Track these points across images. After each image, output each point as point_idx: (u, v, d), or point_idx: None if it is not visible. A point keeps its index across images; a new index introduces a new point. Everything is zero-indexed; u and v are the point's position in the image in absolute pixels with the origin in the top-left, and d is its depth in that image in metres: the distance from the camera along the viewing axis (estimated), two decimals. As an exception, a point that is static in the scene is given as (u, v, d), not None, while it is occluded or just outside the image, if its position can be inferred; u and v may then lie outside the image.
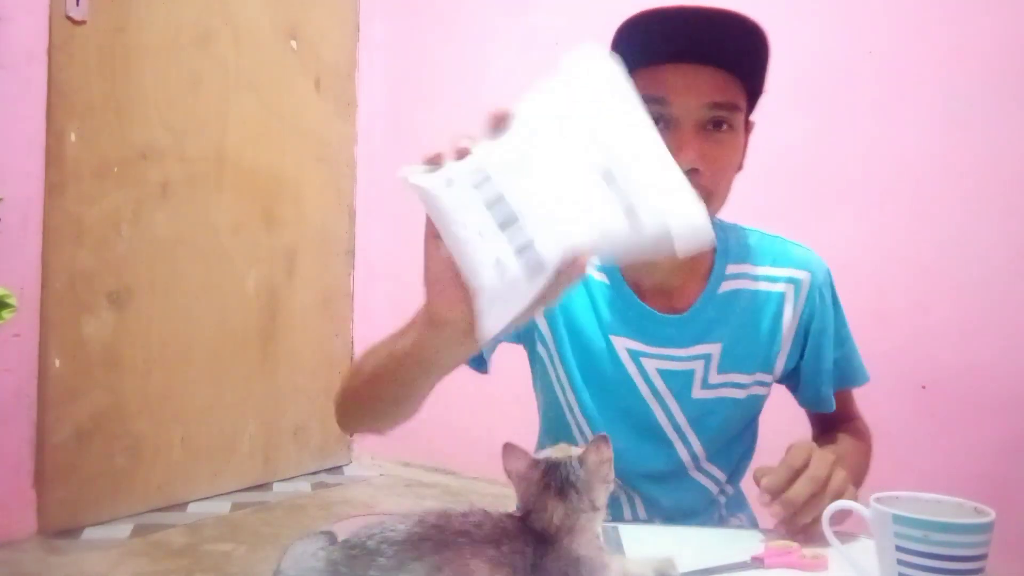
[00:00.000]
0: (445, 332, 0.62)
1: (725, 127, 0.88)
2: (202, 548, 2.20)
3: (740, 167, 0.95)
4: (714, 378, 0.98)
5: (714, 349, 0.97)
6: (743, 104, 0.90)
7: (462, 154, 0.56)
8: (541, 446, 1.03)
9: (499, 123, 0.58)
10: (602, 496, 0.63)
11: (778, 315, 0.98)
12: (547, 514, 0.62)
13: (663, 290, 0.98)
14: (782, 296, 0.99)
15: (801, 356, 1.02)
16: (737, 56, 0.86)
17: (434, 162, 0.56)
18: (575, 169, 0.57)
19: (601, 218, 0.56)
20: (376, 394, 0.83)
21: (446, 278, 0.58)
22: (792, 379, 1.04)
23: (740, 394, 0.99)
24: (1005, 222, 2.03)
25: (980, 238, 2.06)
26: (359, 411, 0.91)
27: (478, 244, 0.54)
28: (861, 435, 1.08)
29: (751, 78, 0.89)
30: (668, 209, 0.57)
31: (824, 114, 2.27)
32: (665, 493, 1.02)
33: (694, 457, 1.01)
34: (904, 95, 2.17)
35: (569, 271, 0.56)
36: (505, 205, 0.55)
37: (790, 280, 0.99)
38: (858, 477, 0.98)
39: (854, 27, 2.25)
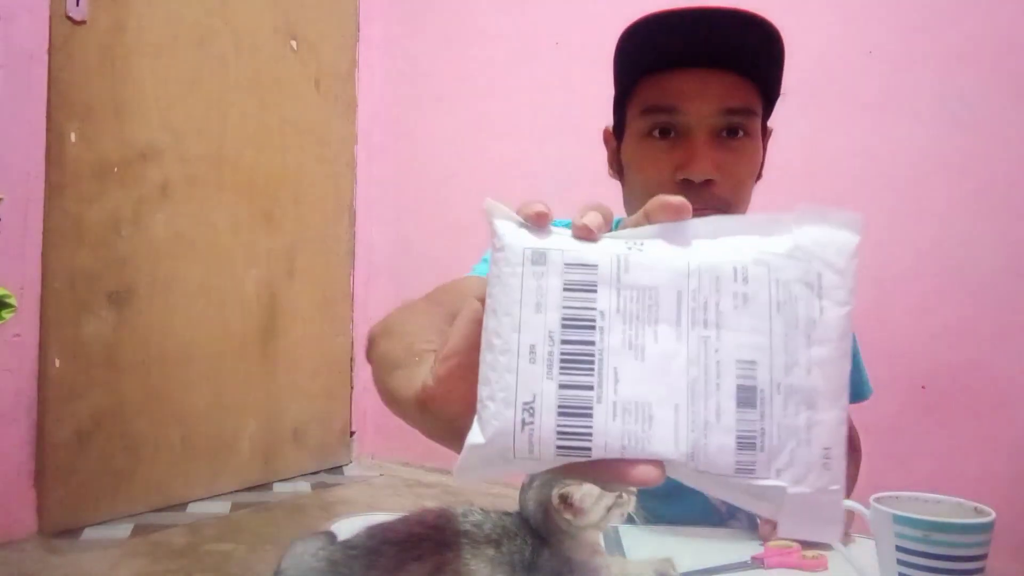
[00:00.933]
0: (427, 420, 0.47)
1: (741, 134, 0.81)
2: (202, 548, 2.20)
3: (759, 176, 0.89)
4: None
5: None
6: (759, 109, 0.84)
7: (580, 235, 0.37)
8: None
9: (660, 216, 0.37)
10: (592, 536, 0.63)
11: None
12: (528, 514, 0.63)
13: None
14: None
15: None
16: (750, 58, 0.80)
17: (534, 221, 0.38)
18: (713, 357, 0.36)
19: (705, 440, 0.35)
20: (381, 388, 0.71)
21: (468, 363, 0.38)
22: None
23: None
24: (1005, 222, 2.03)
25: (980, 238, 2.06)
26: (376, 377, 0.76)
27: (522, 364, 0.35)
28: (852, 445, 1.07)
29: (766, 81, 0.83)
30: (803, 482, 0.36)
31: (824, 114, 2.27)
32: (666, 506, 1.02)
33: None
34: (904, 95, 2.17)
35: (612, 474, 0.35)
36: (590, 336, 0.35)
37: None
38: (848, 490, 0.98)
39: (854, 27, 2.25)
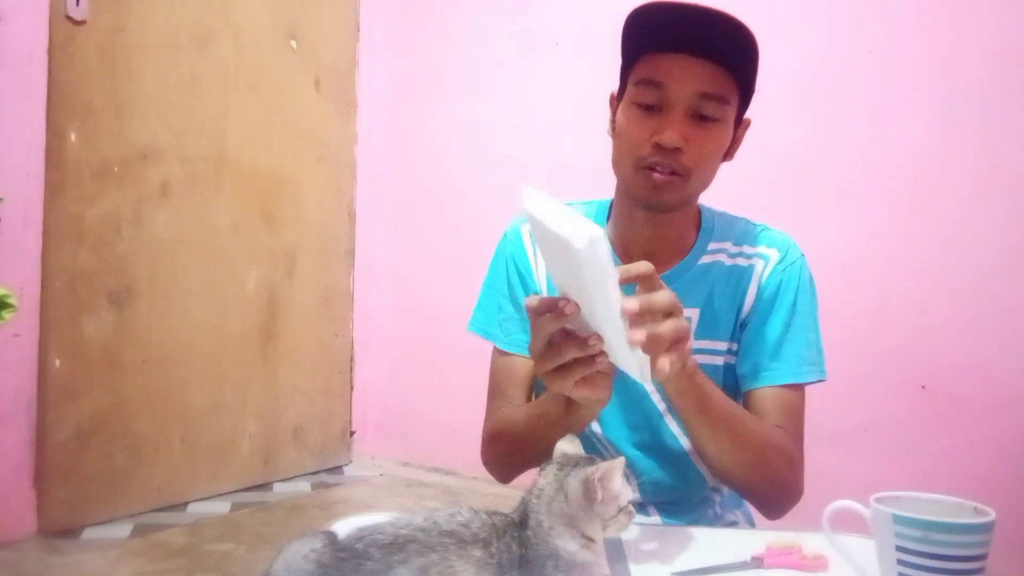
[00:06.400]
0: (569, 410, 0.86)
1: (712, 119, 0.94)
2: (202, 548, 2.20)
3: (730, 157, 1.01)
4: (692, 343, 0.99)
5: (692, 314, 1.01)
6: (733, 100, 0.95)
7: None
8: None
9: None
10: (593, 527, 0.63)
11: (746, 285, 1.03)
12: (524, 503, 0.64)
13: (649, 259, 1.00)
14: (752, 268, 1.04)
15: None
16: (729, 51, 0.92)
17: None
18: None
19: None
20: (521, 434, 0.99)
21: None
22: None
23: (718, 360, 1.03)
24: (1005, 222, 2.03)
25: (980, 238, 2.06)
26: (516, 461, 1.04)
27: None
28: (775, 432, 0.98)
29: (742, 75, 0.95)
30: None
31: (824, 114, 2.27)
32: (654, 468, 1.05)
33: (684, 431, 1.04)
34: (904, 95, 2.17)
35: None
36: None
37: (761, 256, 1.04)
38: (740, 436, 0.92)
39: (854, 27, 2.25)
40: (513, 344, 1.07)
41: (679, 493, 1.06)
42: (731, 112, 0.96)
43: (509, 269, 1.09)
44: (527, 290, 1.07)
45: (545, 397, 0.93)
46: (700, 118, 0.93)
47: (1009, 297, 2.02)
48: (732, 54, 0.92)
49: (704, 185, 0.99)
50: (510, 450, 1.02)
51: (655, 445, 1.04)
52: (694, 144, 0.93)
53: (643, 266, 0.73)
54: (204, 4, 2.63)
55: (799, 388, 1.00)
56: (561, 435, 0.94)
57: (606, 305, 0.66)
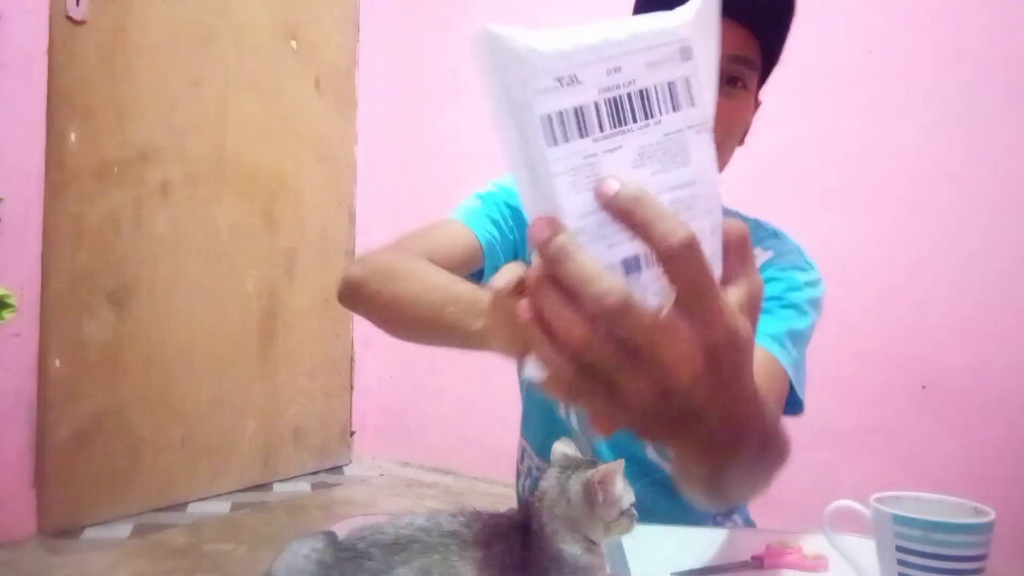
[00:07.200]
0: (482, 343, 0.61)
1: (740, 85, 0.90)
2: (202, 548, 2.20)
3: (742, 141, 0.97)
4: None
5: None
6: (759, 66, 0.92)
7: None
8: (524, 393, 1.11)
9: None
10: (595, 531, 0.62)
11: None
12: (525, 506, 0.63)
13: None
14: None
15: None
16: (762, 11, 0.88)
17: None
18: None
19: None
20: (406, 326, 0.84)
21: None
22: None
23: None
24: (1005, 222, 2.03)
25: (980, 238, 2.06)
26: (375, 315, 0.90)
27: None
28: (776, 443, 0.75)
29: (771, 40, 0.91)
30: None
31: (824, 114, 2.27)
32: (664, 502, 1.01)
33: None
34: (904, 95, 2.17)
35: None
36: None
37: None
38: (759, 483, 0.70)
39: (854, 27, 2.25)
40: (469, 220, 0.98)
41: (669, 520, 1.00)
42: (756, 81, 0.92)
43: (502, 204, 1.05)
44: (514, 232, 1.03)
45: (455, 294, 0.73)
46: (728, 83, 0.88)
47: (1009, 297, 2.02)
48: (763, 13, 0.88)
49: (722, 167, 0.92)
50: (380, 299, 0.86)
51: (639, 469, 0.94)
52: (721, 116, 0.86)
53: (738, 227, 0.41)
54: (204, 4, 2.63)
55: (779, 366, 0.87)
56: (442, 337, 0.75)
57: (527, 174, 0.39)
